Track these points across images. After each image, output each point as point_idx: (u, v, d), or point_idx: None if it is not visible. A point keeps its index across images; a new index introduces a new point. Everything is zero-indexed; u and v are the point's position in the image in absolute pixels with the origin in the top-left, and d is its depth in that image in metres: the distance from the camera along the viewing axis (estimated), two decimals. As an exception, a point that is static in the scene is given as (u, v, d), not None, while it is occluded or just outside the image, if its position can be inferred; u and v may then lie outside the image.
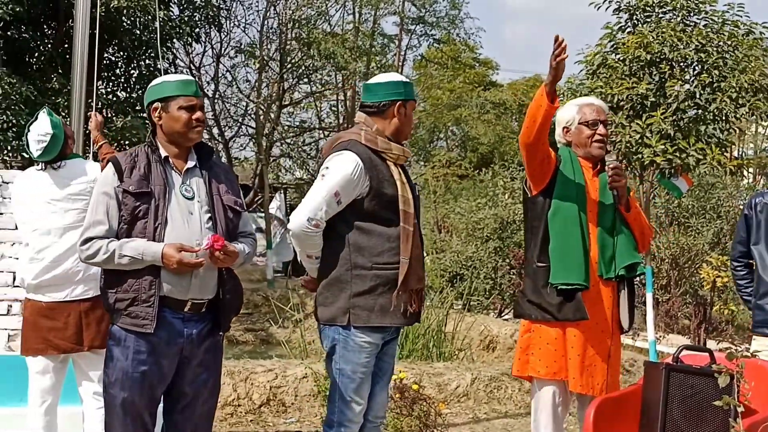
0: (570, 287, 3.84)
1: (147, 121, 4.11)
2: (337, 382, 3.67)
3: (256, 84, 19.47)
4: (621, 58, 7.61)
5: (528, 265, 4.07)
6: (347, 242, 3.61)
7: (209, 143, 20.02)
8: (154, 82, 3.48)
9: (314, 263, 3.74)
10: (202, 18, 15.78)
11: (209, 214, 3.44)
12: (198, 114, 3.43)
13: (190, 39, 15.75)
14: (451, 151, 29.74)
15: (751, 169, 31.12)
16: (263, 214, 18.81)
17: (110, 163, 3.37)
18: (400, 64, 22.42)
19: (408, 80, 3.84)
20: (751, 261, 4.63)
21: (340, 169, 3.58)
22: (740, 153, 29.60)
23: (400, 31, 22.39)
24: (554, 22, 76.83)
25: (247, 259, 3.57)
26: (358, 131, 3.74)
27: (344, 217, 3.63)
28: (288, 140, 21.11)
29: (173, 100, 3.40)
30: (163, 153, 3.43)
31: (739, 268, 4.70)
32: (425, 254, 12.80)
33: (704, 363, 3.47)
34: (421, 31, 23.10)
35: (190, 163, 3.48)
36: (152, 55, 14.83)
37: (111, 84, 15.23)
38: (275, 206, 19.59)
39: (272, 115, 19.33)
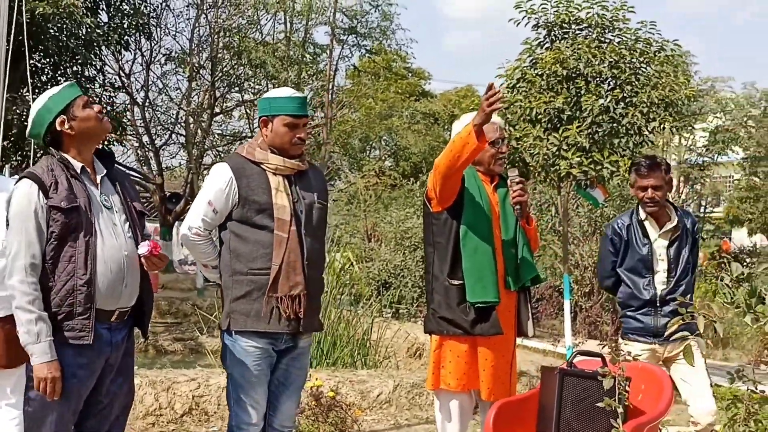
0: (486, 305, 4.00)
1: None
2: (229, 387, 3.83)
3: (187, 92, 19.39)
4: (539, 73, 7.84)
5: (436, 281, 4.16)
6: (229, 249, 3.80)
7: (139, 151, 19.75)
8: (40, 102, 3.42)
9: (212, 272, 3.93)
10: (131, 25, 15.69)
11: (128, 223, 3.50)
12: (98, 107, 3.48)
13: (119, 46, 15.65)
14: (383, 160, 29.95)
15: (675, 179, 31.96)
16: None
17: (30, 181, 3.30)
18: (332, 73, 22.55)
19: (282, 96, 3.90)
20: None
21: (212, 180, 3.81)
22: (663, 163, 30.39)
23: (331, 41, 22.48)
24: (491, 32, 78.00)
25: None
26: (247, 144, 3.96)
27: (226, 226, 3.82)
28: (219, 148, 21.05)
29: (73, 105, 3.40)
30: (77, 165, 3.42)
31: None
32: (353, 262, 12.82)
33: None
34: (353, 41, 23.30)
35: (102, 172, 3.51)
36: (79, 61, 14.71)
37: (37, 91, 15.02)
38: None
39: (203, 124, 19.27)
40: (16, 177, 3.48)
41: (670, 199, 5.20)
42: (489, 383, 4.06)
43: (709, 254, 21.70)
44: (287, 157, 3.83)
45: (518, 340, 4.35)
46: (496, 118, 4.24)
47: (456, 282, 4.06)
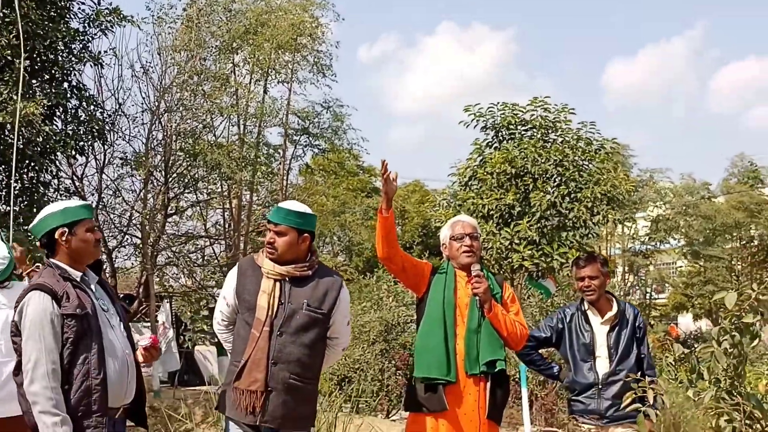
0: (432, 381, 4.42)
1: (29, 235, 4.16)
2: None
3: (142, 194, 19.55)
4: (489, 172, 8.33)
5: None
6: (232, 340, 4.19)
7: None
8: (54, 208, 3.65)
9: None
10: (87, 131, 15.89)
11: (121, 324, 3.74)
12: (98, 234, 3.74)
13: (74, 152, 15.82)
14: (336, 256, 30.29)
15: (619, 268, 32.75)
16: (149, 324, 18.65)
17: (42, 292, 3.49)
18: (286, 172, 22.98)
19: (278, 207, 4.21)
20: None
21: (227, 277, 4.21)
22: (608, 252, 31.22)
23: (284, 141, 23.01)
24: (437, 126, 79.77)
25: None
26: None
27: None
28: (174, 248, 21.10)
29: (80, 224, 3.65)
30: (76, 274, 3.64)
31: (529, 352, 5.34)
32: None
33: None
34: (305, 141, 23.86)
35: (94, 280, 3.75)
36: (35, 167, 14.86)
37: (-8, 195, 15.09)
38: (162, 315, 19.45)
39: (158, 225, 19.38)
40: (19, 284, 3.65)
41: (615, 289, 5.65)
42: None
43: (657, 339, 22.14)
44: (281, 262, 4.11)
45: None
46: (465, 217, 4.86)
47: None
